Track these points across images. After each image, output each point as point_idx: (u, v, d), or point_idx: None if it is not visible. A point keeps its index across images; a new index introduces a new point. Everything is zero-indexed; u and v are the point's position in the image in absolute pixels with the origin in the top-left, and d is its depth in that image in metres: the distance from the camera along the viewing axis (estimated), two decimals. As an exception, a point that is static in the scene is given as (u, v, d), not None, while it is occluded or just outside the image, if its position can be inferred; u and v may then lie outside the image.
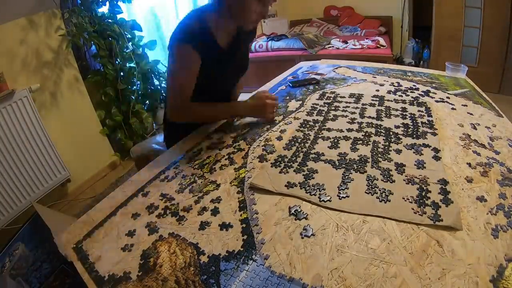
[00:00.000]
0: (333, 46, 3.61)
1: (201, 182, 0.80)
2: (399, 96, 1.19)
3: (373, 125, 0.98)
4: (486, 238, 0.56)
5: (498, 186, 0.69)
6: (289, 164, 0.81)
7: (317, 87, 1.35)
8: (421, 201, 0.65)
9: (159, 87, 2.56)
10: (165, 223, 0.69)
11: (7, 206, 1.74)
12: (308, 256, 0.56)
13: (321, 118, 1.05)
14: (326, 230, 0.61)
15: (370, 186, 0.70)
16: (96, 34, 2.06)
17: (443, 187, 0.69)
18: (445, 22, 3.17)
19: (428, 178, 0.72)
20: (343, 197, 0.68)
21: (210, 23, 0.96)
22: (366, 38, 3.63)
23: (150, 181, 0.84)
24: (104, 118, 2.28)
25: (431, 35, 3.34)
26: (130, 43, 2.25)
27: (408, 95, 1.19)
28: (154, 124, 2.59)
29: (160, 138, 1.34)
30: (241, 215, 0.68)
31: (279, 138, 0.96)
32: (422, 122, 0.98)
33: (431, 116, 1.01)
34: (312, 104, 1.18)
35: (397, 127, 0.96)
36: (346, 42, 3.58)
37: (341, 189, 0.71)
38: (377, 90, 1.26)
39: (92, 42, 2.08)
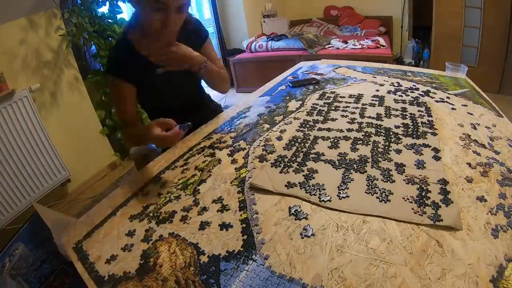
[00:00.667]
0: (333, 46, 3.61)
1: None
2: (399, 96, 1.19)
3: (373, 125, 0.98)
4: (486, 238, 0.56)
5: (498, 186, 0.69)
6: (289, 164, 0.81)
7: (317, 87, 1.35)
8: (421, 201, 0.65)
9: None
10: (165, 222, 0.69)
11: (7, 206, 1.74)
12: (308, 256, 0.56)
13: (321, 118, 1.05)
14: (326, 230, 0.61)
15: (370, 186, 0.70)
16: (96, 34, 2.06)
17: (443, 187, 0.69)
18: (445, 22, 3.17)
19: (428, 178, 0.72)
20: (343, 197, 0.68)
21: (133, 39, 0.95)
22: (366, 38, 3.63)
23: (150, 181, 0.85)
24: (104, 118, 2.29)
25: (431, 35, 3.34)
26: (130, 43, 2.25)
27: (408, 95, 1.19)
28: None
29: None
30: (241, 215, 0.68)
31: (279, 138, 0.96)
32: (422, 122, 0.98)
33: (431, 116, 1.01)
34: (312, 104, 1.18)
35: (397, 127, 0.96)
36: (346, 42, 3.59)
37: (341, 189, 0.71)
38: (377, 90, 1.26)
39: (92, 42, 2.08)
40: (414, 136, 0.90)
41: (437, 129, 0.93)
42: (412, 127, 0.95)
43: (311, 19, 4.66)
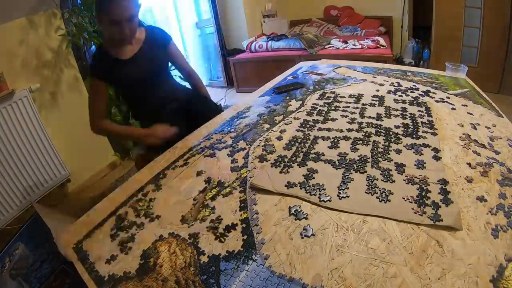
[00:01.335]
0: (333, 46, 3.61)
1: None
2: (399, 96, 1.19)
3: (373, 125, 0.98)
4: (486, 238, 0.56)
5: (498, 186, 0.69)
6: (289, 164, 0.81)
7: (317, 87, 1.35)
8: (421, 201, 0.65)
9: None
10: (165, 223, 0.69)
11: (7, 206, 1.74)
12: (308, 256, 0.56)
13: (321, 118, 1.05)
14: (326, 230, 0.61)
15: (370, 186, 0.70)
16: (96, 34, 2.06)
17: (443, 187, 0.69)
18: (445, 22, 3.17)
19: (428, 178, 0.72)
20: (343, 197, 0.68)
21: (105, 44, 1.19)
22: (366, 38, 3.63)
23: (150, 181, 0.85)
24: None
25: (431, 35, 3.34)
26: (130, 43, 2.25)
27: (408, 95, 1.19)
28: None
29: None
30: (241, 215, 0.68)
31: (279, 138, 0.96)
32: (422, 122, 0.98)
33: (431, 116, 1.01)
34: (312, 104, 1.18)
35: (397, 127, 0.96)
36: (346, 42, 3.58)
37: (341, 189, 0.71)
38: (377, 90, 1.26)
39: (92, 42, 2.08)
40: (414, 136, 0.90)
41: (437, 129, 0.93)
42: (412, 127, 0.95)
43: (311, 19, 4.65)
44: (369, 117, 1.03)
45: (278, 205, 0.69)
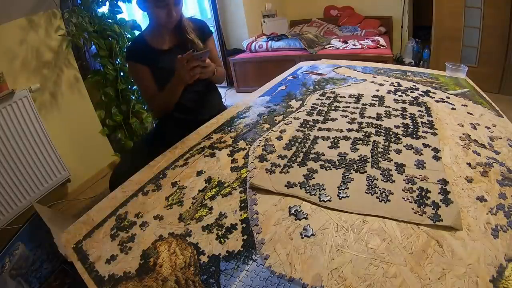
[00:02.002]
0: (333, 46, 3.61)
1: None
2: (399, 96, 1.19)
3: (373, 125, 0.98)
4: (486, 238, 0.56)
5: (498, 186, 0.69)
6: (289, 164, 0.81)
7: (317, 87, 1.35)
8: (421, 201, 0.65)
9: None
10: (165, 223, 0.69)
11: (7, 206, 1.74)
12: (308, 256, 0.56)
13: (321, 118, 1.05)
14: (326, 230, 0.61)
15: (370, 186, 0.70)
16: (96, 34, 2.06)
17: (443, 187, 0.69)
18: (445, 22, 3.17)
19: (428, 178, 0.72)
20: (343, 197, 0.68)
21: (145, 34, 1.22)
22: (366, 38, 3.63)
23: (150, 181, 0.85)
24: (104, 118, 2.28)
25: (431, 35, 3.34)
26: (130, 43, 2.25)
27: (408, 95, 1.19)
28: (154, 124, 2.59)
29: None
30: (241, 215, 0.68)
31: (279, 138, 0.96)
32: (422, 122, 0.98)
33: (431, 116, 1.01)
34: (312, 104, 1.18)
35: (397, 127, 0.96)
36: (346, 42, 3.58)
37: (341, 189, 0.71)
38: (377, 90, 1.26)
39: (92, 42, 2.08)
40: (414, 136, 0.90)
41: (437, 129, 0.93)
42: (412, 127, 0.95)
43: (311, 19, 4.66)
44: (369, 117, 1.03)
45: (278, 205, 0.69)
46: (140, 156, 1.10)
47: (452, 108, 1.08)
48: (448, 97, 1.17)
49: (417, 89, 1.25)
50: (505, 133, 0.92)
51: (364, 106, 1.11)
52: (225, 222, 0.66)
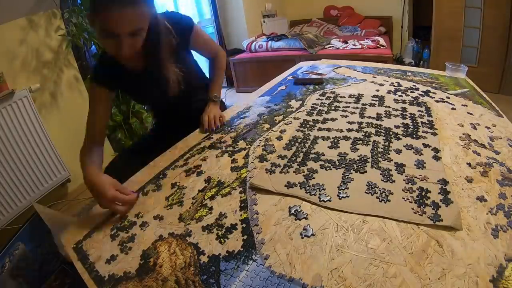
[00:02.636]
0: (333, 46, 3.61)
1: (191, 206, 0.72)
2: (399, 96, 1.19)
3: (373, 125, 0.98)
4: (486, 238, 0.56)
5: (498, 186, 0.69)
6: (289, 164, 0.81)
7: (317, 87, 1.35)
8: (421, 201, 0.65)
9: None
10: (165, 223, 0.69)
11: (7, 206, 1.74)
12: (308, 256, 0.56)
13: (321, 118, 1.05)
14: (326, 230, 0.61)
15: (370, 186, 0.70)
16: (96, 34, 2.06)
17: (443, 187, 0.69)
18: (445, 22, 3.17)
19: (428, 178, 0.72)
20: (343, 197, 0.68)
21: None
22: (366, 38, 3.63)
23: (150, 181, 0.85)
24: (104, 118, 2.28)
25: (431, 35, 3.34)
26: (130, 43, 2.25)
27: (408, 95, 1.19)
28: (153, 125, 2.59)
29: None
30: (241, 215, 0.68)
31: (279, 138, 0.96)
32: (422, 122, 0.98)
33: (431, 116, 1.01)
34: (312, 104, 1.18)
35: (397, 127, 0.96)
36: (346, 42, 3.59)
37: (341, 189, 0.71)
38: (377, 90, 1.26)
39: (92, 42, 2.08)
40: (414, 136, 0.90)
41: (437, 129, 0.93)
42: (412, 127, 0.95)
43: (311, 19, 4.66)
44: (369, 117, 1.03)
45: (278, 205, 0.69)
46: (137, 157, 1.05)
47: (452, 108, 1.08)
48: (448, 97, 1.17)
49: (417, 89, 1.25)
50: (505, 133, 0.92)
51: (364, 106, 1.11)
52: (225, 222, 0.66)
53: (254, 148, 0.92)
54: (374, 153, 0.83)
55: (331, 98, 1.21)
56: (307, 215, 0.65)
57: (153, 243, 0.64)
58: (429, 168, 0.76)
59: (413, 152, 0.82)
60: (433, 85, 1.30)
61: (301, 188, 0.72)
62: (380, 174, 0.74)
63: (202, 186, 0.79)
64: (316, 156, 0.84)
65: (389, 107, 1.10)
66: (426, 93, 1.21)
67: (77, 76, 2.13)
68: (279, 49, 3.72)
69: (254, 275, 0.54)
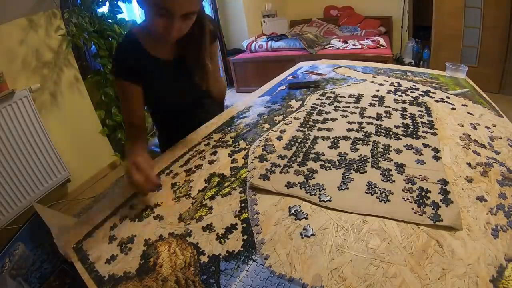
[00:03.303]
0: (333, 46, 3.61)
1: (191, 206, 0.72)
2: (399, 96, 1.19)
3: (373, 125, 0.98)
4: (486, 238, 0.56)
5: (498, 186, 0.69)
6: (289, 164, 0.81)
7: (314, 89, 1.35)
8: (421, 201, 0.65)
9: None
10: (165, 223, 0.69)
11: (7, 206, 1.74)
12: (308, 256, 0.56)
13: (321, 118, 1.05)
14: (326, 230, 0.61)
15: (370, 186, 0.70)
16: (96, 34, 2.06)
17: (443, 187, 0.69)
18: (445, 22, 3.17)
19: (428, 178, 0.72)
20: (343, 197, 0.68)
21: (141, 38, 0.92)
22: (366, 38, 3.63)
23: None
24: (104, 118, 2.29)
25: (431, 35, 3.34)
26: (130, 43, 2.25)
27: (408, 95, 1.19)
28: (154, 124, 2.59)
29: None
30: (241, 215, 0.67)
31: (279, 138, 0.96)
32: (422, 122, 0.98)
33: (431, 116, 1.01)
34: (312, 104, 1.18)
35: (397, 127, 0.96)
36: (346, 42, 3.59)
37: (341, 189, 0.71)
38: (377, 90, 1.26)
39: (92, 42, 2.08)
40: (414, 136, 0.90)
41: (437, 129, 0.93)
42: (412, 127, 0.95)
43: (311, 19, 4.66)
44: (369, 117, 1.03)
45: (278, 205, 0.69)
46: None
47: (452, 108, 1.08)
48: (448, 97, 1.17)
49: (417, 89, 1.25)
50: (505, 133, 0.92)
51: (364, 106, 1.11)
52: (225, 222, 0.66)
53: (254, 148, 0.92)
54: (374, 153, 0.83)
55: (331, 98, 1.21)
56: (307, 215, 0.65)
57: (153, 243, 0.64)
58: (429, 168, 0.76)
59: (413, 152, 0.82)
60: (433, 85, 1.30)
61: (301, 188, 0.72)
62: (380, 174, 0.74)
63: (202, 186, 0.79)
64: (316, 156, 0.84)
65: (389, 107, 1.10)
66: (426, 93, 1.21)
67: (77, 76, 2.13)
68: (279, 49, 3.72)
69: (254, 275, 0.54)
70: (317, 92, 1.29)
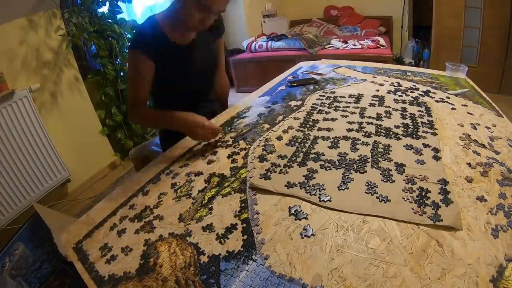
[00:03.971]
0: (333, 46, 3.61)
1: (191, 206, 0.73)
2: (399, 96, 1.19)
3: (373, 125, 0.98)
4: (486, 238, 0.56)
5: (498, 186, 0.69)
6: (289, 164, 0.81)
7: (317, 86, 1.35)
8: (421, 201, 0.65)
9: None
10: (166, 222, 0.69)
11: (7, 206, 1.74)
12: (308, 256, 0.56)
13: (321, 118, 1.05)
14: (326, 230, 0.61)
15: (370, 186, 0.70)
16: (96, 34, 2.06)
17: (443, 187, 0.69)
18: (445, 22, 3.17)
19: (428, 178, 0.72)
20: (343, 197, 0.68)
21: (162, 23, 1.00)
22: (366, 38, 3.63)
23: (150, 181, 0.85)
24: (104, 118, 2.28)
25: (431, 35, 3.33)
26: (130, 43, 2.25)
27: (408, 95, 1.19)
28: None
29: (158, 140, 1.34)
30: (241, 215, 0.68)
31: (279, 138, 0.96)
32: (422, 122, 0.98)
33: (431, 116, 1.01)
34: (312, 104, 1.18)
35: (397, 127, 0.96)
36: (346, 42, 3.58)
37: (341, 189, 0.71)
38: (377, 90, 1.26)
39: (92, 42, 2.08)
40: (414, 136, 0.90)
41: (437, 129, 0.93)
42: (412, 127, 0.95)
43: (311, 19, 4.65)
44: (369, 117, 1.03)
45: (278, 205, 0.69)
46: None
47: (452, 108, 1.08)
48: (448, 97, 1.17)
49: (417, 89, 1.25)
50: (505, 133, 0.92)
51: (364, 106, 1.11)
52: (225, 222, 0.66)
53: (254, 148, 0.92)
54: (374, 153, 0.83)
55: (331, 98, 1.21)
56: (307, 215, 0.65)
57: (153, 243, 0.64)
58: (429, 168, 0.76)
59: (413, 152, 0.82)
60: (433, 85, 1.30)
61: (301, 188, 0.72)
62: (380, 174, 0.74)
63: (202, 186, 0.79)
64: (316, 156, 0.84)
65: (389, 107, 1.10)
66: (426, 93, 1.21)
67: (77, 76, 2.13)
68: (279, 49, 3.71)
69: (254, 275, 0.54)
70: (317, 92, 1.29)
